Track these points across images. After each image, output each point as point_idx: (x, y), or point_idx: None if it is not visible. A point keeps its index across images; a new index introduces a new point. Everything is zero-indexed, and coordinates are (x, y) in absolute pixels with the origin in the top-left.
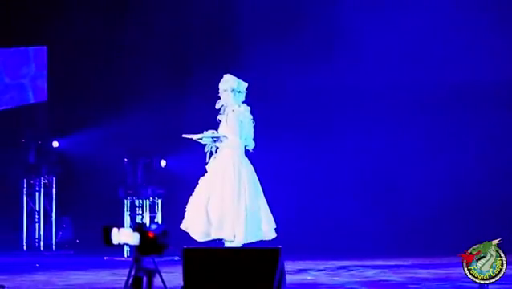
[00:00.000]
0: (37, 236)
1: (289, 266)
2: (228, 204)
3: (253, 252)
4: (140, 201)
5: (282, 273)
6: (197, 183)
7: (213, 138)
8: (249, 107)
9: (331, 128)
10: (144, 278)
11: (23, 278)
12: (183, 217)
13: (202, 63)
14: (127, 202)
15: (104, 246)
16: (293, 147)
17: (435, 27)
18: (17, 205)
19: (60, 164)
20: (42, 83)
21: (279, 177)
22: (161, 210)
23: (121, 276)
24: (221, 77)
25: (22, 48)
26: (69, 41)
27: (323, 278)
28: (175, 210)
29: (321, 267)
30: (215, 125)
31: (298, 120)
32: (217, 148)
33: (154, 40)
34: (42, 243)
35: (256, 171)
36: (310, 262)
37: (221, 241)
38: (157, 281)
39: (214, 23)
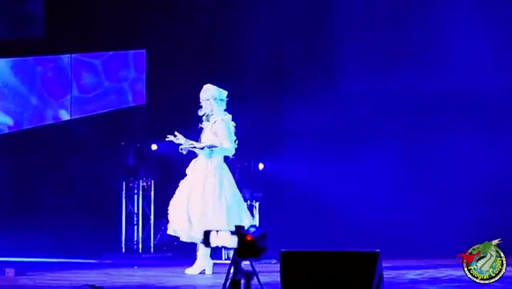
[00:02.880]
0: (135, 238)
1: (386, 267)
2: (209, 204)
3: (352, 256)
4: None
5: (381, 277)
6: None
7: (210, 147)
8: (230, 115)
9: (427, 131)
10: (242, 281)
11: (121, 280)
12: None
13: (300, 66)
14: None
15: None
16: (387, 149)
17: None
18: (116, 208)
19: (158, 167)
20: (141, 87)
21: (379, 181)
22: (259, 213)
23: (219, 279)
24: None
25: (122, 52)
26: (167, 45)
27: (425, 278)
28: (273, 213)
29: (417, 270)
30: (311, 127)
31: (388, 123)
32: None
33: (252, 42)
34: (140, 245)
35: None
36: (403, 262)
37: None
38: (255, 284)
39: (310, 26)
